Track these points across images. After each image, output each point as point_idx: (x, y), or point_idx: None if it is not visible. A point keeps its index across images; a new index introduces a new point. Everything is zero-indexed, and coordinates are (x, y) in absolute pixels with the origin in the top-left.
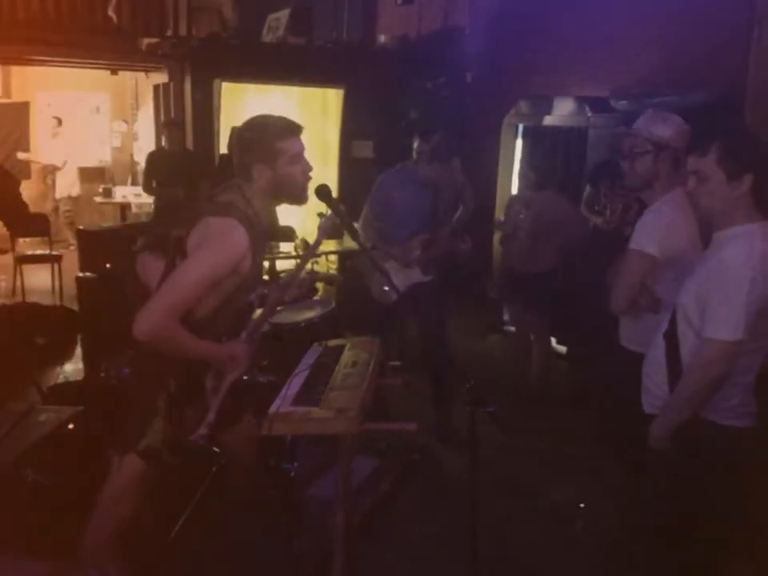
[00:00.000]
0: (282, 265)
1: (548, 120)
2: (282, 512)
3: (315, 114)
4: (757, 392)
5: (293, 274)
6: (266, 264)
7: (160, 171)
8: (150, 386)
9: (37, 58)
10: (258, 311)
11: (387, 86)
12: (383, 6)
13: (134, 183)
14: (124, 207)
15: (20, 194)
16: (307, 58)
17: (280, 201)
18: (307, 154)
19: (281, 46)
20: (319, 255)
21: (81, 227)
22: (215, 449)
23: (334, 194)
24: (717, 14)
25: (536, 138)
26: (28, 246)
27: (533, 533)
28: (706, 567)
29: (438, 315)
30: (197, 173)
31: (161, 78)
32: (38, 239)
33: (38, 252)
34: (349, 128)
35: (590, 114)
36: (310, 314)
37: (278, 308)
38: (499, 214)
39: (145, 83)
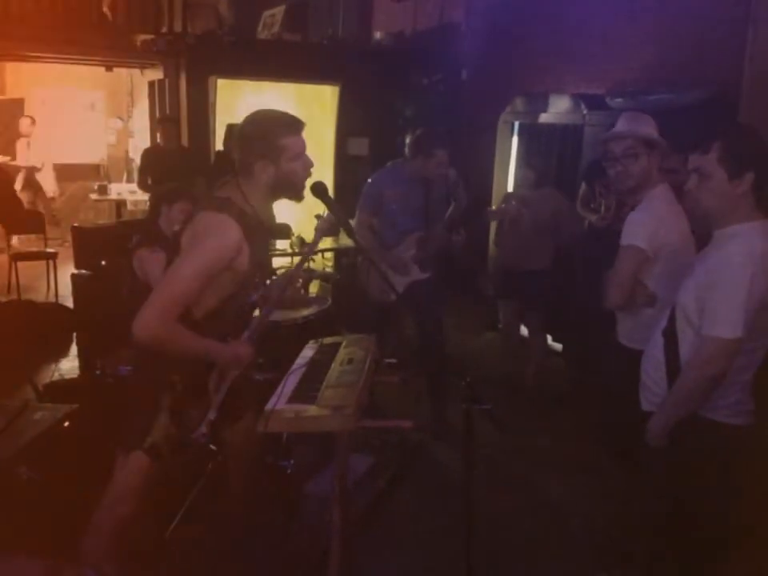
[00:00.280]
0: (278, 261)
1: (544, 117)
2: (278, 509)
3: (310, 111)
4: (754, 390)
5: (292, 272)
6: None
7: (155, 168)
8: (155, 384)
9: (31, 54)
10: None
11: (383, 83)
12: (379, 2)
13: (129, 180)
14: (119, 204)
15: (14, 191)
16: (302, 55)
17: (279, 197)
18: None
19: (276, 43)
20: (315, 253)
21: (76, 224)
22: (212, 446)
23: (330, 191)
24: (712, 12)
25: (532, 135)
26: (23, 243)
27: (528, 530)
28: (703, 565)
29: (436, 312)
30: (192, 170)
31: (156, 74)
32: (32, 236)
33: (33, 249)
34: (344, 125)
35: (585, 112)
36: (306, 312)
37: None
38: None
39: (140, 80)
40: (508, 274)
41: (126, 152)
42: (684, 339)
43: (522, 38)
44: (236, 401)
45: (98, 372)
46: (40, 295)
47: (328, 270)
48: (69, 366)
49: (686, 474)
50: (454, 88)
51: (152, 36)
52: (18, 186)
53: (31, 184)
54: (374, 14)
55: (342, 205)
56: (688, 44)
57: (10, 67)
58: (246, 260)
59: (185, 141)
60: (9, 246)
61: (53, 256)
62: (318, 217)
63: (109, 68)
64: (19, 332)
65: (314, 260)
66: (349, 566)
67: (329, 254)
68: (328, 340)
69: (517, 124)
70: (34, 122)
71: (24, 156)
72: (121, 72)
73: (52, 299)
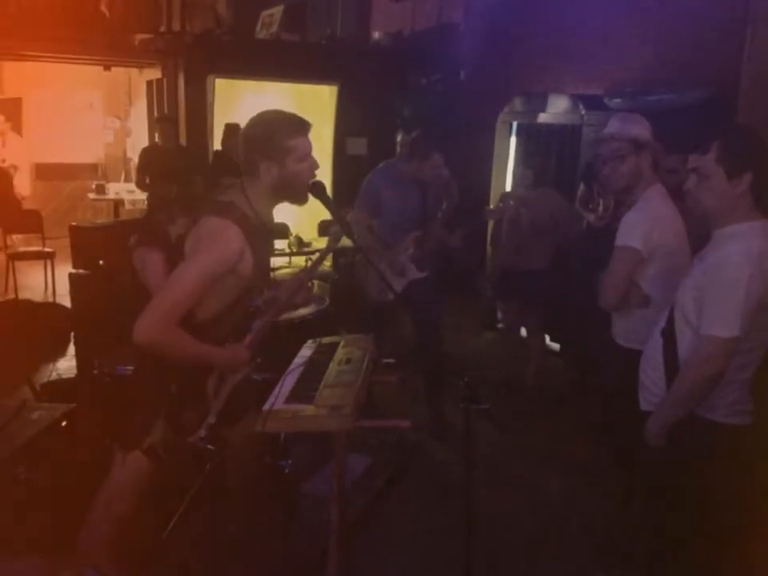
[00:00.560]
0: (276, 261)
1: (542, 118)
2: (276, 509)
3: (309, 111)
4: (753, 390)
5: (300, 277)
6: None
7: (153, 167)
8: (153, 388)
9: (29, 53)
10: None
11: (381, 83)
12: (377, 2)
13: (127, 180)
14: (117, 204)
15: (12, 190)
16: (301, 55)
17: (282, 199)
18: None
19: (274, 43)
20: (313, 252)
21: (74, 224)
22: (210, 446)
23: (328, 190)
24: (711, 12)
25: (530, 135)
26: (20, 242)
27: (527, 529)
28: (701, 564)
29: (433, 311)
30: (190, 169)
31: (154, 73)
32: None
33: (31, 248)
34: (343, 125)
35: (583, 112)
36: (304, 311)
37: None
38: None
39: (138, 79)
40: (506, 274)
41: (124, 151)
42: (682, 339)
43: (520, 37)
44: (235, 401)
45: (95, 371)
46: (37, 295)
47: (326, 269)
48: (66, 365)
49: (684, 474)
50: (452, 88)
51: (150, 35)
52: None
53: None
54: (372, 13)
55: (340, 205)
56: (687, 44)
57: (8, 67)
58: (249, 265)
59: (183, 140)
60: (6, 245)
61: (50, 255)
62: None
63: (107, 67)
64: (17, 331)
65: (311, 259)
66: (347, 565)
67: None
68: (326, 340)
69: (515, 124)
70: (6, 120)
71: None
72: (119, 71)
73: (50, 299)
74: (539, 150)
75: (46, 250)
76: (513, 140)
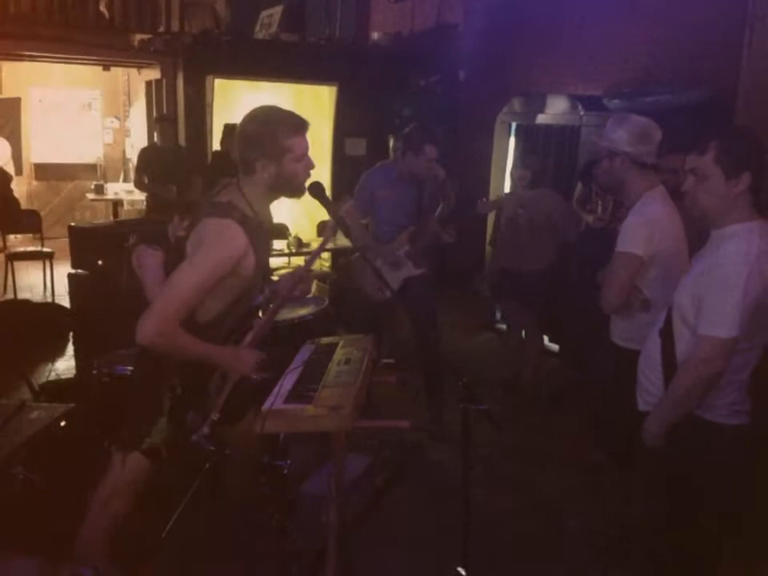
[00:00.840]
0: (275, 262)
1: (541, 118)
2: (275, 509)
3: (308, 111)
4: (751, 390)
5: (300, 272)
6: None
7: (152, 167)
8: (156, 386)
9: (28, 53)
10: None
11: (380, 84)
12: (376, 3)
13: (126, 180)
14: (116, 204)
15: (11, 191)
16: (300, 55)
17: (278, 196)
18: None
19: (273, 43)
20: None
21: (73, 224)
22: (209, 446)
23: (327, 191)
24: (709, 14)
25: (529, 136)
26: (19, 242)
27: (525, 529)
28: (699, 564)
29: (430, 308)
30: (189, 169)
31: (153, 74)
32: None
33: (30, 249)
34: (342, 125)
35: (582, 113)
36: (303, 312)
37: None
38: (491, 213)
39: (137, 79)
40: (505, 274)
41: (123, 151)
42: (680, 339)
43: (519, 38)
44: (235, 401)
45: (94, 371)
46: (36, 295)
47: (325, 269)
48: (65, 365)
49: (683, 474)
50: (451, 89)
51: (149, 35)
52: None
53: None
54: (371, 14)
55: (338, 206)
56: (685, 45)
57: (7, 66)
58: (251, 264)
59: (182, 140)
60: (5, 245)
61: (49, 256)
62: (321, 224)
63: (106, 67)
64: (16, 331)
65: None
66: (346, 565)
67: (326, 254)
68: (325, 340)
69: (514, 125)
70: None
71: None
72: (118, 71)
73: (48, 299)
74: (538, 151)
75: (45, 250)
76: (512, 141)
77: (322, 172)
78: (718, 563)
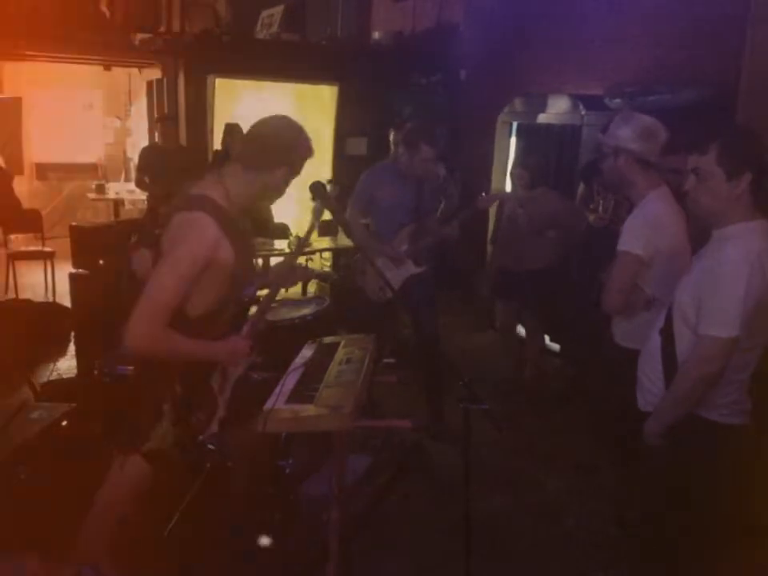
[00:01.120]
0: (275, 261)
1: (542, 118)
2: (276, 509)
3: (309, 111)
4: (751, 390)
5: (288, 261)
6: (261, 261)
7: (153, 167)
8: (156, 392)
9: (29, 53)
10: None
11: (381, 83)
12: (377, 2)
13: (127, 179)
14: (117, 203)
15: (12, 190)
16: (301, 55)
17: (257, 201)
18: None
19: (274, 43)
20: (313, 252)
21: (74, 223)
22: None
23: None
24: (710, 13)
25: (530, 135)
26: (20, 242)
27: (526, 528)
28: (698, 563)
29: (431, 305)
30: (190, 169)
31: (154, 73)
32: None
33: (31, 248)
34: (343, 125)
35: (583, 112)
36: (304, 311)
37: (276, 299)
38: (492, 212)
39: (138, 79)
40: (505, 274)
41: (124, 151)
42: (681, 338)
43: (520, 38)
44: (237, 401)
45: (95, 371)
46: (38, 294)
47: (326, 269)
48: (66, 365)
49: (683, 474)
50: (452, 88)
51: (150, 35)
52: None
53: None
54: (372, 13)
55: (340, 205)
56: (686, 45)
57: (8, 66)
58: (229, 254)
59: (183, 140)
60: (6, 245)
61: (50, 255)
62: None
63: (107, 67)
64: (17, 331)
65: (311, 259)
66: (347, 565)
67: (327, 254)
68: (327, 340)
69: (515, 124)
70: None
71: None
72: (119, 71)
73: (50, 298)
74: (539, 151)
75: (46, 249)
76: (513, 140)
77: (322, 171)
78: (717, 562)
